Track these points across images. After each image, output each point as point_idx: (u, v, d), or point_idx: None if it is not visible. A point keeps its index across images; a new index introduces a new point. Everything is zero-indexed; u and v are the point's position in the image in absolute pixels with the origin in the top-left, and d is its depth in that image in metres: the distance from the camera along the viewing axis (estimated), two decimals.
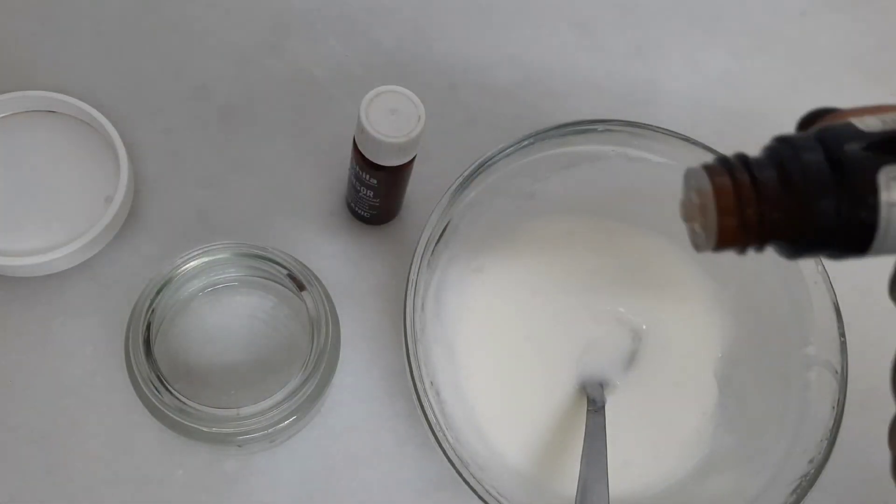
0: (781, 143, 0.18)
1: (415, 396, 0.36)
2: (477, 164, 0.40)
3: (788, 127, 0.21)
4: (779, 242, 0.19)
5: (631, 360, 0.43)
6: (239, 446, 0.37)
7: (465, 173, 0.39)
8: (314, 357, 0.36)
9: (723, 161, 0.19)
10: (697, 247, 0.19)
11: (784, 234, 0.18)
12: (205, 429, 0.35)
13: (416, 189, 0.44)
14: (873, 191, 0.17)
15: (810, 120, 0.20)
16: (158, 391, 0.35)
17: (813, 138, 0.18)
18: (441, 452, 0.36)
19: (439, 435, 0.36)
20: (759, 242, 0.19)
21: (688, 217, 0.19)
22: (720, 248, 0.19)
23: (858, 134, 0.18)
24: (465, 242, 0.42)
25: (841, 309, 0.39)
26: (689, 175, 0.19)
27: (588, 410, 0.40)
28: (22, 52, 0.47)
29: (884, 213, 0.17)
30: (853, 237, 0.18)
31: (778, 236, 0.18)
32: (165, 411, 0.34)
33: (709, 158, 0.41)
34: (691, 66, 0.53)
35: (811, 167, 0.17)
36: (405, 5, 0.51)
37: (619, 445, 0.39)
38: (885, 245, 0.18)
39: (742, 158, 0.19)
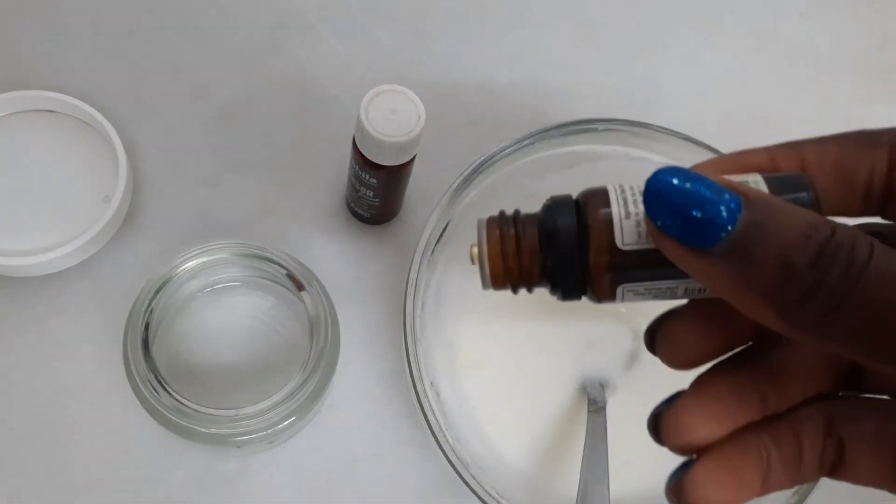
0: (549, 203, 0.22)
1: (415, 396, 0.36)
2: (477, 164, 0.40)
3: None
4: (544, 286, 0.22)
5: (632, 359, 0.42)
6: (238, 447, 0.37)
7: (465, 173, 0.39)
8: (314, 357, 0.36)
9: (500, 216, 0.22)
10: (483, 286, 0.23)
11: (537, 281, 0.22)
12: (203, 429, 0.35)
13: (416, 189, 0.44)
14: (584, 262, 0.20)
15: None
16: (157, 392, 0.34)
17: (573, 203, 0.21)
18: (441, 453, 0.35)
19: (439, 435, 0.36)
20: (524, 286, 0.22)
21: (473, 261, 0.23)
22: (495, 289, 0.22)
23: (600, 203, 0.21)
24: (465, 242, 0.41)
25: None
26: (478, 225, 0.23)
27: (589, 411, 0.40)
28: (22, 52, 0.47)
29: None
30: (571, 291, 0.21)
31: (534, 283, 0.22)
32: (164, 412, 0.34)
33: (709, 157, 0.41)
34: (691, 66, 0.53)
35: (561, 230, 0.21)
36: (405, 5, 0.51)
37: (620, 446, 0.38)
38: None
39: (514, 216, 0.22)
